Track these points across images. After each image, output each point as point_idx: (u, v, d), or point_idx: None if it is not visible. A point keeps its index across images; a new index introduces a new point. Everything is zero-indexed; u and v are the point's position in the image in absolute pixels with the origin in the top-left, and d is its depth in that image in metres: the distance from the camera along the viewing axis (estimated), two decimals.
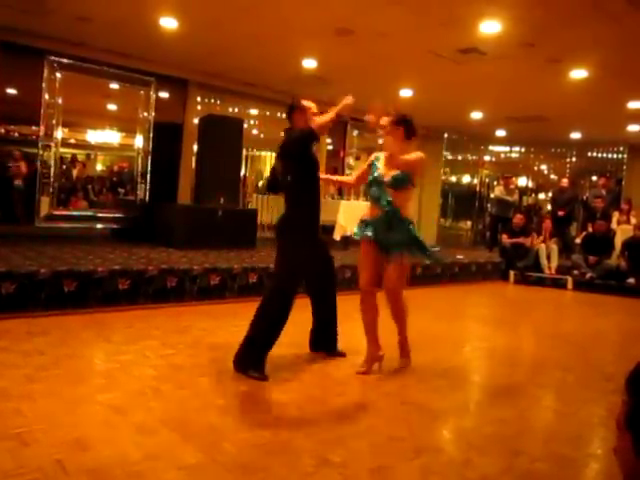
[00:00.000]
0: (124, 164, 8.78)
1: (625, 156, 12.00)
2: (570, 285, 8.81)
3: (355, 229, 3.65)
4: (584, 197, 12.17)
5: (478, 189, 13.75)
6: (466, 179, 13.91)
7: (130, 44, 7.39)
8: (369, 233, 3.48)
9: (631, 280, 8.42)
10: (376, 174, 3.49)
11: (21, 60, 7.23)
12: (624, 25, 5.35)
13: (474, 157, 13.68)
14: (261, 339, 3.33)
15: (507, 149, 13.71)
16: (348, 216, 8.02)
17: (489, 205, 13.09)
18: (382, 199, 3.44)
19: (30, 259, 5.12)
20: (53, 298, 4.53)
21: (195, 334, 4.22)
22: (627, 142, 11.67)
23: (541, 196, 14.48)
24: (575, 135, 11.71)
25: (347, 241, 8.23)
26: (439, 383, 3.48)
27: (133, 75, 8.11)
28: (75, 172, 8.38)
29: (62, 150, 7.74)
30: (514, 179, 11.91)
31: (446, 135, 12.46)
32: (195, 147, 8.57)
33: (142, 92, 8.29)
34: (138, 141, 8.38)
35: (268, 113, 10.09)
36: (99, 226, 8.10)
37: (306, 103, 3.51)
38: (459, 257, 9.10)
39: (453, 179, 13.52)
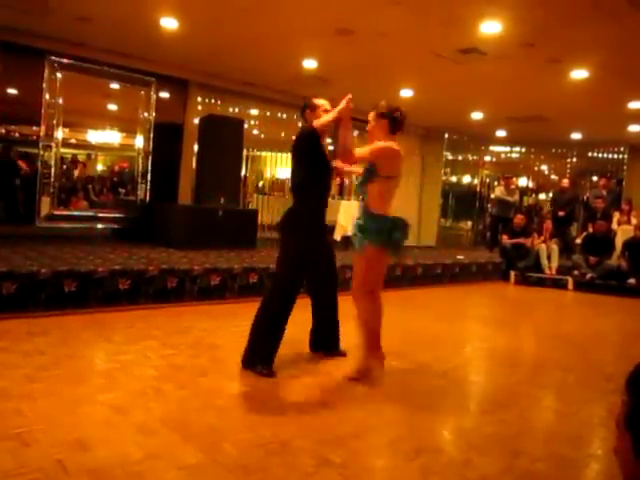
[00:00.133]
0: (124, 164, 8.78)
1: (626, 156, 11.99)
2: (571, 285, 8.80)
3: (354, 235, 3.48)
4: (585, 197, 12.17)
5: (478, 189, 13.75)
6: (466, 179, 13.91)
7: (131, 44, 7.39)
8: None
9: (632, 280, 8.42)
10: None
11: (22, 60, 7.24)
12: (624, 25, 5.35)
13: (474, 157, 13.68)
14: (265, 337, 3.38)
15: (507, 149, 13.71)
16: (348, 216, 8.03)
17: (489, 205, 13.09)
18: (362, 195, 3.43)
19: (31, 259, 5.12)
20: (53, 298, 4.53)
21: (195, 334, 4.22)
22: (628, 142, 11.67)
23: (542, 196, 14.48)
24: (576, 135, 11.71)
25: (348, 241, 8.23)
26: (439, 383, 3.48)
27: (134, 75, 8.11)
28: (76, 172, 8.39)
29: (63, 150, 7.74)
30: (514, 179, 11.91)
31: (446, 135, 12.46)
32: (195, 147, 8.57)
33: (142, 92, 8.29)
34: (138, 141, 8.38)
35: (268, 113, 10.09)
36: (99, 226, 8.11)
37: (317, 101, 3.54)
38: (459, 257, 9.10)
39: (453, 179, 13.51)
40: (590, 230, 9.55)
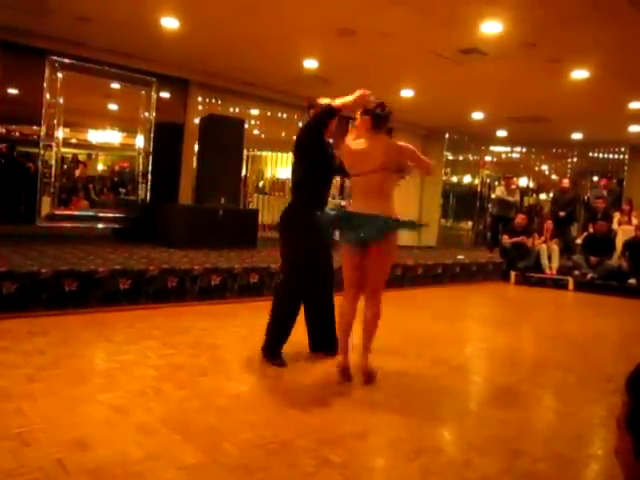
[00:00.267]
0: (125, 164, 8.78)
1: (626, 156, 11.99)
2: (571, 286, 8.80)
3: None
4: (585, 197, 12.17)
5: (479, 189, 13.75)
6: (467, 179, 13.91)
7: (131, 44, 7.39)
8: None
9: (632, 281, 8.41)
10: None
11: (22, 60, 7.24)
12: (625, 25, 5.35)
13: (475, 157, 13.68)
14: (276, 330, 3.56)
15: (508, 149, 13.71)
16: None
17: (490, 205, 13.08)
18: None
19: (31, 259, 5.13)
20: (54, 298, 4.54)
21: (196, 334, 4.22)
22: (628, 142, 11.67)
23: (542, 196, 14.49)
24: (576, 135, 11.71)
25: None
26: (440, 383, 3.48)
27: (134, 75, 8.11)
28: (77, 172, 8.40)
29: (63, 150, 7.74)
30: (515, 179, 11.91)
31: (447, 135, 12.45)
32: (196, 147, 8.57)
33: (143, 92, 8.29)
34: (139, 141, 8.38)
35: (269, 113, 10.10)
36: (100, 226, 8.11)
37: (322, 101, 3.54)
38: (460, 257, 9.10)
39: (454, 179, 13.51)
40: (591, 230, 9.55)
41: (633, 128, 10.20)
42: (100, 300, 4.79)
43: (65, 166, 7.99)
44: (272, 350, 3.55)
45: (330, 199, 4.04)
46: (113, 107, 8.81)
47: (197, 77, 8.70)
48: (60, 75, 7.47)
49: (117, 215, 8.26)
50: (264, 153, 12.73)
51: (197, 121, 8.53)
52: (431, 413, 2.95)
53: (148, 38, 6.98)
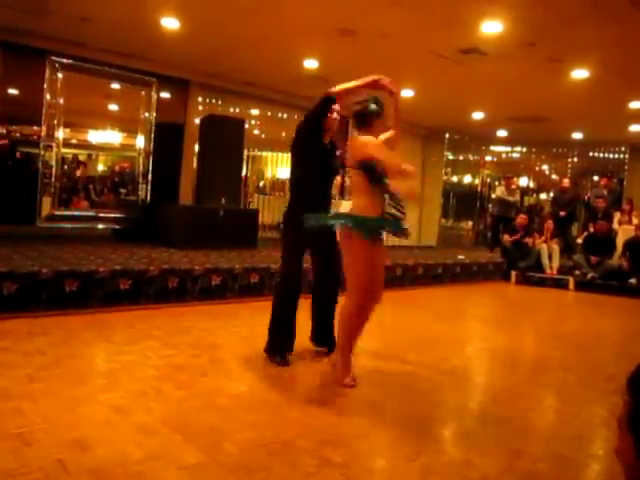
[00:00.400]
0: (125, 164, 8.78)
1: (627, 156, 11.99)
2: (572, 285, 8.80)
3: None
4: (585, 197, 12.17)
5: (479, 189, 13.75)
6: (467, 179, 13.91)
7: (131, 44, 7.40)
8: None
9: (633, 280, 8.41)
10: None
11: (23, 60, 7.25)
12: (625, 25, 5.35)
13: (475, 157, 13.68)
14: (275, 328, 3.57)
15: (508, 149, 13.71)
16: None
17: (490, 205, 13.08)
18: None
19: (31, 259, 5.13)
20: (54, 298, 4.54)
21: (196, 334, 4.22)
22: (629, 142, 11.66)
23: (542, 196, 14.48)
24: (576, 135, 11.70)
25: None
26: (440, 383, 3.48)
27: (134, 75, 8.11)
28: (78, 172, 8.40)
29: (63, 150, 7.75)
30: (515, 179, 11.91)
31: (447, 135, 12.46)
32: (196, 147, 8.57)
33: (143, 92, 8.30)
34: (139, 141, 8.39)
35: (269, 113, 10.10)
36: (100, 226, 8.11)
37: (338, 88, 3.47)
38: (460, 257, 9.10)
39: (454, 179, 13.51)
40: (591, 230, 9.55)
41: (633, 128, 10.20)
42: (101, 300, 4.79)
43: (65, 166, 7.99)
44: (273, 349, 3.57)
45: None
46: (113, 107, 8.81)
47: (197, 77, 8.70)
48: (60, 75, 7.47)
49: (117, 215, 8.26)
50: (264, 153, 12.73)
51: (197, 121, 8.53)
52: (432, 413, 2.95)
53: (148, 38, 6.98)
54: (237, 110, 9.46)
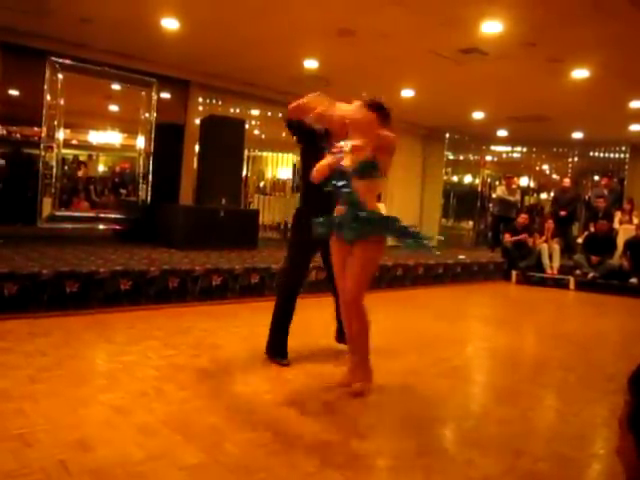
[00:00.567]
0: (126, 165, 8.79)
1: (627, 156, 11.98)
2: (572, 285, 8.80)
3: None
4: (586, 197, 12.17)
5: (480, 189, 13.74)
6: (468, 179, 13.91)
7: (131, 45, 7.40)
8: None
9: (633, 280, 8.41)
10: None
11: (23, 61, 7.25)
12: (625, 25, 5.34)
13: (476, 157, 13.67)
14: (275, 326, 3.60)
15: (509, 149, 13.70)
16: None
17: (491, 205, 13.08)
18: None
19: (32, 260, 5.13)
20: (55, 299, 4.54)
21: (197, 335, 4.22)
22: (629, 142, 11.66)
23: (543, 196, 14.48)
24: (577, 135, 11.70)
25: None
26: (441, 383, 3.47)
27: (135, 76, 8.11)
28: (80, 173, 8.41)
29: (64, 151, 7.75)
30: (516, 179, 11.91)
31: (447, 135, 12.45)
32: (197, 148, 8.57)
33: (144, 93, 8.30)
34: (140, 142, 8.39)
35: (270, 114, 10.10)
36: (101, 227, 8.11)
37: (309, 100, 3.23)
38: (461, 257, 9.10)
39: (455, 179, 13.51)
40: (592, 230, 9.55)
41: (634, 127, 10.19)
42: (101, 301, 4.79)
43: (66, 167, 8.00)
44: (275, 349, 3.59)
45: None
46: (114, 108, 8.81)
47: (197, 78, 8.70)
48: (61, 76, 7.47)
49: (118, 216, 8.26)
50: (265, 153, 12.74)
51: (198, 122, 8.53)
52: (432, 413, 2.95)
53: (148, 39, 6.98)
54: (237, 110, 9.47)
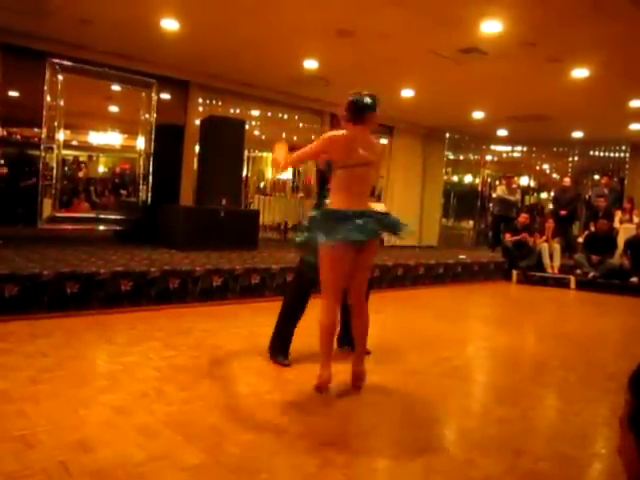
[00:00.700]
0: (126, 166, 8.80)
1: (627, 155, 11.97)
2: (573, 284, 8.80)
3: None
4: (586, 196, 12.17)
5: (480, 189, 13.74)
6: (468, 179, 13.90)
7: (131, 46, 7.40)
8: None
9: (634, 279, 8.41)
10: None
11: (23, 62, 7.25)
12: (625, 24, 5.34)
13: (476, 157, 13.67)
14: (281, 328, 3.62)
15: (509, 148, 13.70)
16: None
17: (491, 205, 13.08)
18: None
19: (33, 261, 5.13)
20: (56, 300, 4.54)
21: (197, 335, 4.22)
22: (629, 141, 11.65)
23: (543, 195, 14.48)
24: (577, 134, 11.70)
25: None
26: (442, 382, 3.48)
27: (134, 77, 8.11)
28: (81, 174, 8.42)
29: (64, 152, 7.76)
30: (516, 178, 11.91)
31: (448, 135, 12.45)
32: (197, 148, 8.57)
33: (143, 94, 8.30)
34: (140, 143, 8.39)
35: (270, 114, 10.10)
36: (101, 228, 8.12)
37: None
38: (461, 257, 9.10)
39: (455, 179, 13.51)
40: (592, 229, 9.55)
41: (634, 126, 10.19)
42: (102, 302, 4.79)
43: (66, 168, 8.00)
44: (277, 348, 3.60)
45: None
46: (114, 109, 8.82)
47: (197, 78, 8.70)
48: (61, 77, 7.47)
49: (118, 217, 8.27)
50: (265, 154, 12.74)
51: (198, 122, 8.54)
52: (433, 412, 2.95)
53: (148, 40, 6.98)
54: (237, 111, 9.46)
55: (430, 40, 6.37)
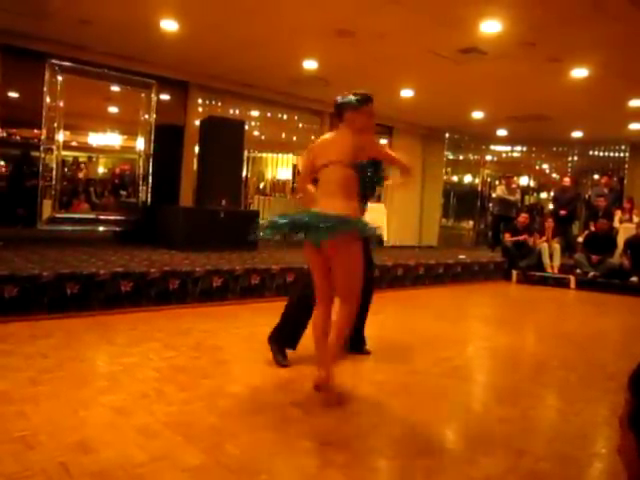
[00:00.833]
0: (126, 166, 8.79)
1: (627, 154, 11.98)
2: (573, 284, 8.80)
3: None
4: (586, 196, 12.17)
5: (480, 189, 13.74)
6: (468, 179, 13.90)
7: (131, 47, 7.40)
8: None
9: (634, 279, 8.41)
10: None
11: (22, 63, 7.25)
12: (624, 24, 5.34)
13: (475, 157, 13.67)
14: (291, 319, 3.59)
15: (508, 148, 13.70)
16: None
17: (491, 205, 13.08)
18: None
19: (33, 262, 5.13)
20: (56, 301, 4.54)
21: (197, 336, 4.22)
22: (628, 140, 11.66)
23: (543, 195, 14.48)
24: (576, 134, 11.70)
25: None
26: (442, 382, 3.48)
27: (134, 78, 8.12)
28: (81, 174, 8.42)
29: (64, 153, 7.75)
30: (516, 178, 11.91)
31: (447, 135, 12.46)
32: (196, 149, 8.58)
33: (143, 94, 8.30)
34: (139, 143, 8.39)
35: (269, 114, 10.10)
36: (101, 229, 8.11)
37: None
38: (461, 257, 9.10)
39: (455, 179, 13.51)
40: (592, 228, 9.55)
41: (633, 126, 10.19)
42: (102, 303, 4.79)
43: (66, 169, 8.00)
44: (280, 340, 3.58)
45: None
46: (113, 110, 8.81)
47: (197, 79, 8.70)
48: (60, 78, 7.47)
49: (118, 218, 8.26)
50: (264, 154, 12.74)
51: (197, 123, 8.54)
52: (434, 413, 2.95)
53: (148, 41, 6.99)
54: (237, 111, 9.46)
55: (429, 40, 6.37)
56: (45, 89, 7.38)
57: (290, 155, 12.44)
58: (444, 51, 6.67)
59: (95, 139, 8.35)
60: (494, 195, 12.38)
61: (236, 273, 5.69)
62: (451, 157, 12.96)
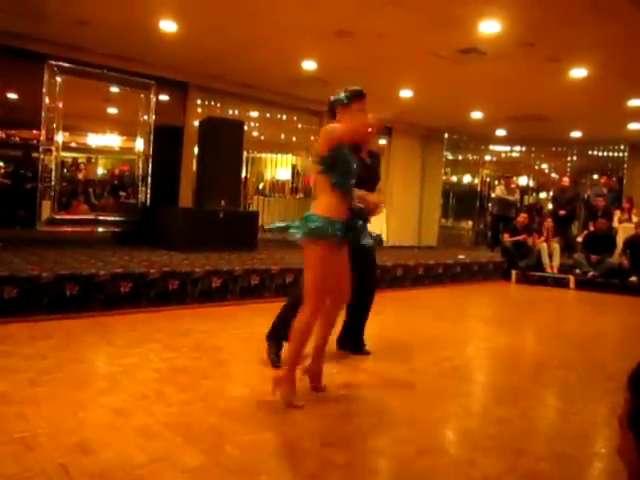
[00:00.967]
0: (125, 167, 8.78)
1: (626, 154, 11.98)
2: (572, 284, 8.80)
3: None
4: (585, 196, 12.18)
5: (479, 189, 13.75)
6: (467, 179, 13.91)
7: (130, 47, 7.40)
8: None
9: (633, 278, 8.42)
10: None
11: (21, 64, 7.24)
12: (623, 24, 5.34)
13: (475, 157, 13.67)
14: (281, 328, 3.52)
15: (507, 148, 13.70)
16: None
17: (490, 205, 13.09)
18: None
19: (32, 263, 5.13)
20: (55, 302, 4.54)
21: (197, 337, 4.22)
22: (628, 140, 11.66)
23: (542, 195, 14.49)
24: (575, 134, 11.71)
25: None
26: (442, 383, 3.48)
27: (133, 78, 8.11)
28: (81, 175, 8.41)
29: (63, 154, 7.75)
30: (515, 178, 11.92)
31: (446, 135, 12.46)
32: (196, 150, 8.57)
33: (142, 95, 8.29)
34: (139, 144, 8.39)
35: (268, 115, 10.10)
36: (100, 230, 8.11)
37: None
38: (461, 257, 9.10)
39: (454, 179, 13.52)
40: (591, 228, 9.56)
41: (632, 126, 10.19)
42: (102, 304, 4.79)
43: (65, 170, 7.99)
44: (277, 344, 3.55)
45: None
46: (112, 111, 8.80)
47: (196, 80, 8.70)
48: (59, 79, 7.47)
49: (117, 219, 8.26)
50: (264, 155, 12.75)
51: (196, 124, 8.54)
52: (434, 413, 2.95)
53: (147, 41, 6.98)
54: (236, 112, 9.46)
55: (429, 40, 6.37)
56: (44, 90, 7.37)
57: (289, 155, 12.45)
58: (443, 51, 6.68)
59: (94, 140, 8.35)
60: (493, 195, 12.39)
61: (235, 274, 5.69)
62: (450, 157, 12.96)
